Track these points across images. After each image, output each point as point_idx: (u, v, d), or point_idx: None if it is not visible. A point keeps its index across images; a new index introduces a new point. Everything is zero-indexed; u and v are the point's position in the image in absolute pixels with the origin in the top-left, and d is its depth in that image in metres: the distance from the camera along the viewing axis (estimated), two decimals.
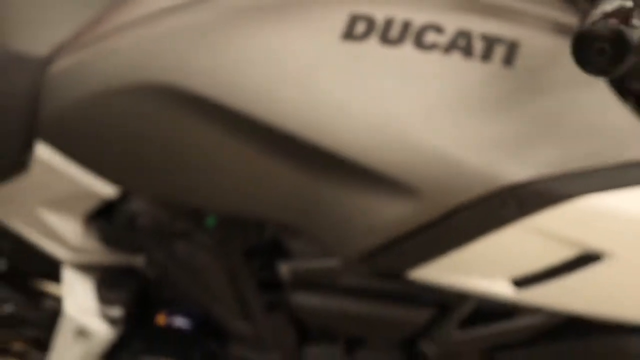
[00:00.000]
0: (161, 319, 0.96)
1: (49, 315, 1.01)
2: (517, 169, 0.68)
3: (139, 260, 0.94)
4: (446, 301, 0.79)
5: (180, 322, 0.97)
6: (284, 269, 0.81)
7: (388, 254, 0.74)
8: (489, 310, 0.78)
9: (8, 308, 1.01)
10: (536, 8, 0.73)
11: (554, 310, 0.72)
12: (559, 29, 0.71)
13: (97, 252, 0.93)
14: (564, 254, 0.70)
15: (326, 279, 0.80)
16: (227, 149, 0.76)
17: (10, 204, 0.92)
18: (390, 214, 0.72)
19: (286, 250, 0.84)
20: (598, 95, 0.68)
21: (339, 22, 0.74)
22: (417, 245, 0.72)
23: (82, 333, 0.96)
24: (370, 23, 0.73)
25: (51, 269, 0.99)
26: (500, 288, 0.72)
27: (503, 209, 0.68)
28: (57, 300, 1.01)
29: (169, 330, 0.96)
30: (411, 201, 0.71)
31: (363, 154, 0.72)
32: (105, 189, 0.85)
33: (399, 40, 0.72)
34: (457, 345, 0.81)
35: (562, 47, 0.70)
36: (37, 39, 0.89)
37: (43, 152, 0.86)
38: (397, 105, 0.71)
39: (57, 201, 0.89)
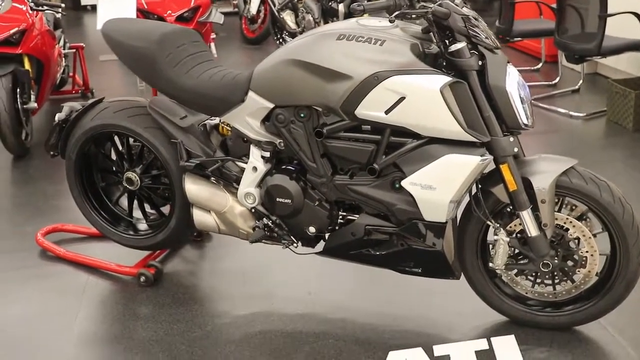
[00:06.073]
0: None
1: (241, 169, 2.58)
2: (376, 69, 2.21)
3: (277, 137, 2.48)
4: (376, 140, 2.27)
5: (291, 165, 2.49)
6: (324, 129, 2.35)
7: (347, 103, 2.25)
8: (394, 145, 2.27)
9: (228, 165, 2.59)
10: None
11: (402, 124, 2.22)
12: None
13: (262, 134, 2.47)
14: (396, 97, 2.20)
15: (336, 132, 2.32)
16: (307, 80, 2.31)
17: (235, 116, 2.49)
18: (344, 86, 2.25)
19: (325, 122, 2.36)
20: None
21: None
22: (353, 97, 2.24)
23: (254, 168, 2.52)
24: (349, 36, 2.29)
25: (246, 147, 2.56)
26: (381, 115, 2.23)
27: (373, 80, 2.21)
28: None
29: (286, 168, 2.48)
30: (348, 81, 2.24)
31: (335, 65, 2.26)
32: (269, 105, 2.41)
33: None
34: (384, 163, 2.27)
35: None
36: None
37: (251, 94, 2.44)
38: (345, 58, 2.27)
39: (253, 113, 2.45)
